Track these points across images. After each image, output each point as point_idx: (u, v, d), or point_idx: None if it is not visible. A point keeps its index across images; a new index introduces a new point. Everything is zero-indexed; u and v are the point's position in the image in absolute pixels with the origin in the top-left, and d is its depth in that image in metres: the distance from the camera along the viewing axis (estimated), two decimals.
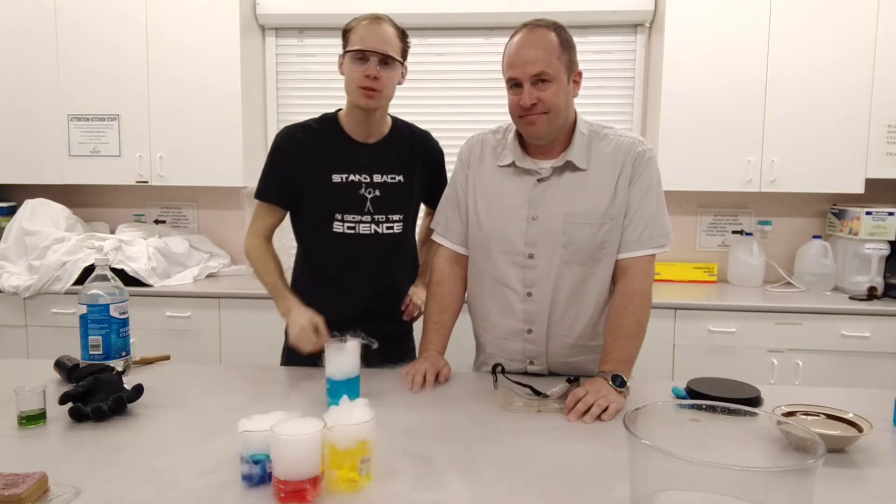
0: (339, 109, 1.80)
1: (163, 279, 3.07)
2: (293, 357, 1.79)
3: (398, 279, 1.83)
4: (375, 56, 1.63)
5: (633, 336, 1.51)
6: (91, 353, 1.53)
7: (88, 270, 2.62)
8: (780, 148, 2.94)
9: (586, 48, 3.19)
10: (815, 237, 3.12)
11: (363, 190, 1.73)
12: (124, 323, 1.57)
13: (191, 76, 3.11)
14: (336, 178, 1.72)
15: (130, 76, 3.14)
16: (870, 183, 2.94)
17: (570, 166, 1.55)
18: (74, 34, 3.13)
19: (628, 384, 1.44)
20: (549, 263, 1.56)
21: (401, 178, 1.77)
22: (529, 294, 1.58)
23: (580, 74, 1.56)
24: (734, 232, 3.33)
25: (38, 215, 3.18)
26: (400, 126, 1.84)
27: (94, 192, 3.55)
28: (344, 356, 1.36)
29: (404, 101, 3.36)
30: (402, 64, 1.71)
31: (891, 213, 2.92)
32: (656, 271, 3.24)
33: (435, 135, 3.47)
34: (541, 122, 1.50)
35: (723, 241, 3.34)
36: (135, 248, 3.09)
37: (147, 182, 3.20)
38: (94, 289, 1.54)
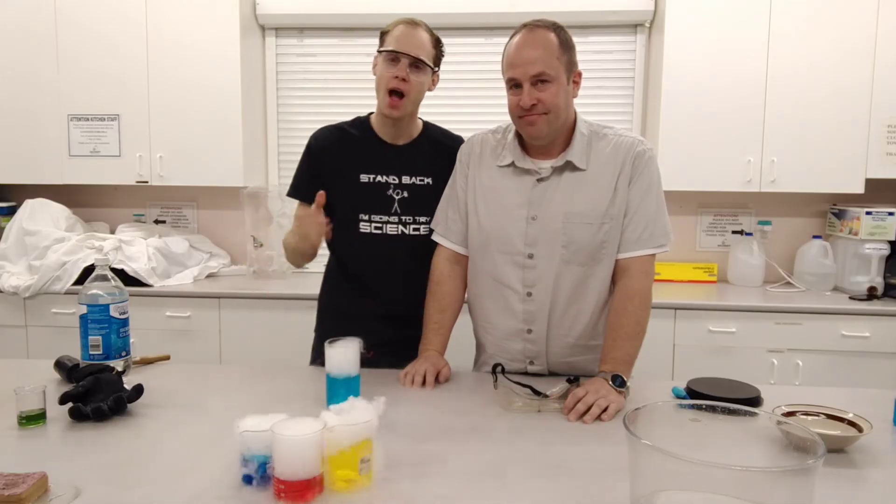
0: (372, 112, 1.82)
1: (163, 279, 3.07)
2: (322, 355, 1.79)
3: (425, 282, 1.80)
4: (407, 58, 1.65)
5: (633, 336, 1.51)
6: (91, 353, 1.53)
7: (88, 270, 2.62)
8: (780, 148, 2.94)
9: (586, 48, 3.19)
10: (815, 237, 3.12)
11: (391, 191, 1.74)
12: (124, 323, 1.57)
13: (191, 76, 3.11)
14: (364, 177, 1.74)
15: (130, 76, 3.14)
16: (870, 183, 2.95)
17: (569, 166, 1.55)
18: (74, 34, 3.13)
19: (628, 384, 1.44)
20: (548, 263, 1.56)
21: (429, 180, 1.77)
22: (529, 294, 1.58)
23: (580, 75, 1.56)
24: (734, 232, 3.33)
25: (38, 215, 3.18)
26: (431, 129, 1.85)
27: (94, 192, 3.55)
28: (343, 355, 1.36)
29: None
30: (435, 71, 1.74)
31: (891, 213, 2.92)
32: (656, 271, 3.24)
33: None
34: (541, 122, 1.50)
35: (723, 241, 3.34)
36: (135, 248, 3.09)
37: (147, 182, 3.20)
38: (94, 289, 1.53)
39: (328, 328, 1.83)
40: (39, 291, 2.94)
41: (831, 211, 3.20)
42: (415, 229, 1.76)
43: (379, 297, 1.77)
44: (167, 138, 3.16)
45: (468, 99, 3.33)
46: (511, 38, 1.54)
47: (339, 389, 1.34)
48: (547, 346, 1.61)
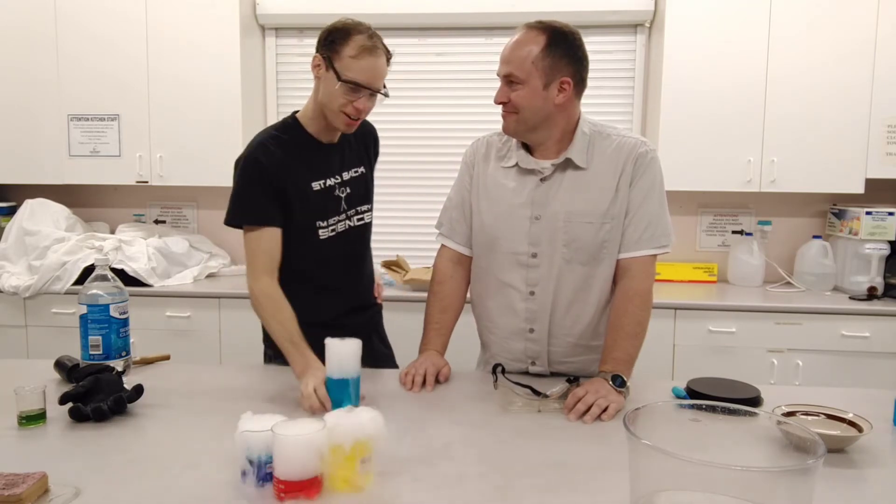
0: (297, 111, 1.73)
1: (163, 279, 3.07)
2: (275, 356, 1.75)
3: (371, 265, 1.90)
4: (368, 91, 1.58)
5: (634, 336, 1.51)
6: (91, 353, 1.53)
7: (88, 270, 2.62)
8: (780, 148, 2.94)
9: (586, 48, 3.17)
10: (815, 237, 3.12)
11: (337, 191, 1.73)
12: (124, 323, 1.57)
13: (191, 76, 3.11)
14: (315, 185, 1.68)
15: (130, 76, 3.14)
16: (870, 183, 2.95)
17: (570, 164, 1.56)
18: (74, 34, 3.13)
19: (628, 384, 1.44)
20: (551, 262, 1.56)
21: (362, 169, 1.78)
22: (532, 293, 1.59)
23: (568, 82, 1.50)
24: (734, 232, 3.33)
25: (38, 215, 3.18)
26: None
27: (94, 192, 3.55)
28: (344, 356, 1.35)
29: (405, 101, 3.38)
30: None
31: (891, 213, 2.92)
32: (656, 271, 3.24)
33: (435, 135, 3.49)
34: (509, 120, 1.54)
35: (723, 241, 3.34)
36: (135, 248, 3.09)
37: (147, 182, 3.20)
38: (94, 289, 1.53)
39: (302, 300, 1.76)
40: (39, 291, 2.94)
41: (831, 211, 3.20)
42: (359, 220, 1.77)
43: (342, 295, 1.76)
44: (167, 138, 3.16)
45: (468, 99, 3.33)
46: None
47: (339, 390, 1.34)
48: (549, 345, 1.61)
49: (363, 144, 1.81)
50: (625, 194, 1.54)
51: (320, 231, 1.69)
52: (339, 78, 1.55)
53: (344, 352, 1.35)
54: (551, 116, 1.52)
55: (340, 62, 1.55)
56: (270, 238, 1.61)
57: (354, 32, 1.56)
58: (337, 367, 1.35)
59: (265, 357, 1.84)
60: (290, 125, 1.70)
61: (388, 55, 1.61)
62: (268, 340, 1.81)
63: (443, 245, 1.74)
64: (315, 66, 1.61)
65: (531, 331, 1.61)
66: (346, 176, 1.73)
